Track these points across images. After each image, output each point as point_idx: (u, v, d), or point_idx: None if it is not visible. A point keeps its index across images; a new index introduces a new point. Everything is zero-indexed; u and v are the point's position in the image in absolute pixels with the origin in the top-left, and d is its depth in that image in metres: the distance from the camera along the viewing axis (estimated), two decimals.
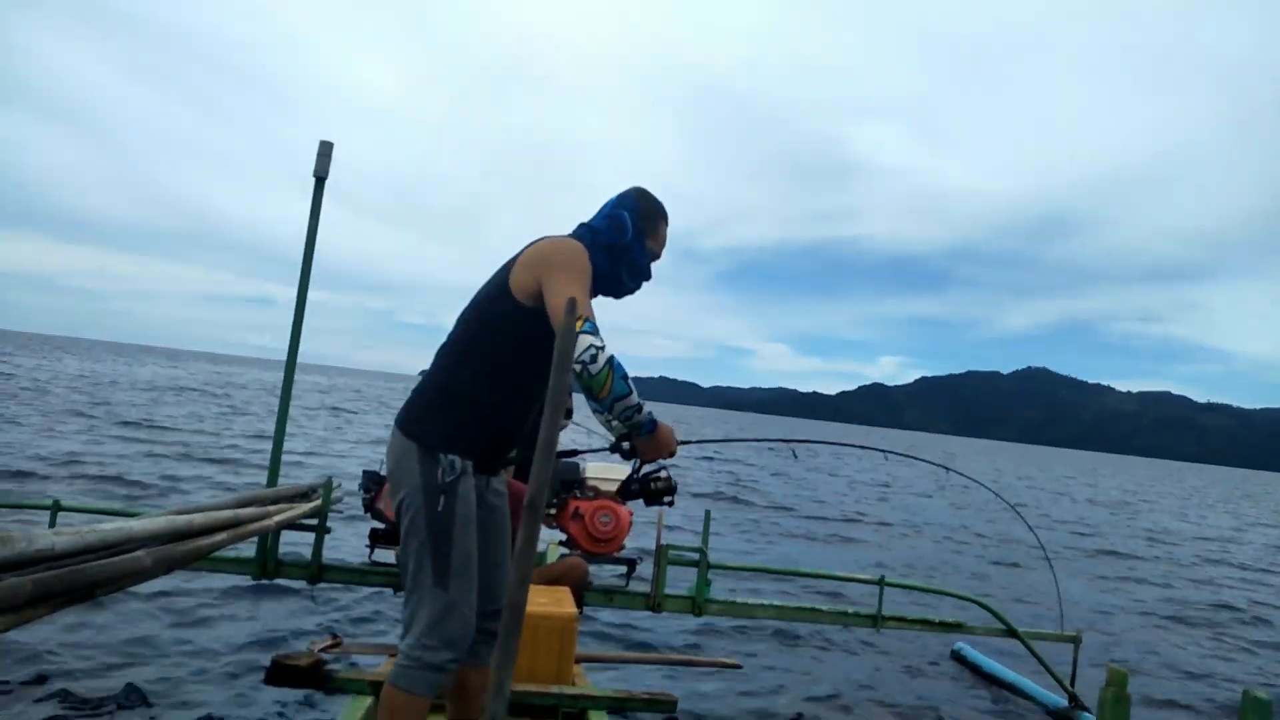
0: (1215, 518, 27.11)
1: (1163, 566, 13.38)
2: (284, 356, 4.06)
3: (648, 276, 2.64)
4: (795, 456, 3.49)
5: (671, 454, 2.51)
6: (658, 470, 2.94)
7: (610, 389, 2.17)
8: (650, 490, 2.87)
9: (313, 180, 4.13)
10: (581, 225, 2.56)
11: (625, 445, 2.56)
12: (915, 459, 4.85)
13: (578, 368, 2.16)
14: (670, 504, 2.95)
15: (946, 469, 4.92)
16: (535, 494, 1.39)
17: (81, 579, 1.99)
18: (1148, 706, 5.44)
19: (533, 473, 1.40)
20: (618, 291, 2.60)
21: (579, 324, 2.14)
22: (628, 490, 2.71)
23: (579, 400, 2.93)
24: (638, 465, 2.65)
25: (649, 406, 2.34)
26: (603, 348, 2.15)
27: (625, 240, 2.52)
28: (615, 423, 2.34)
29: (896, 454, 4.53)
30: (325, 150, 4.11)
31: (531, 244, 2.44)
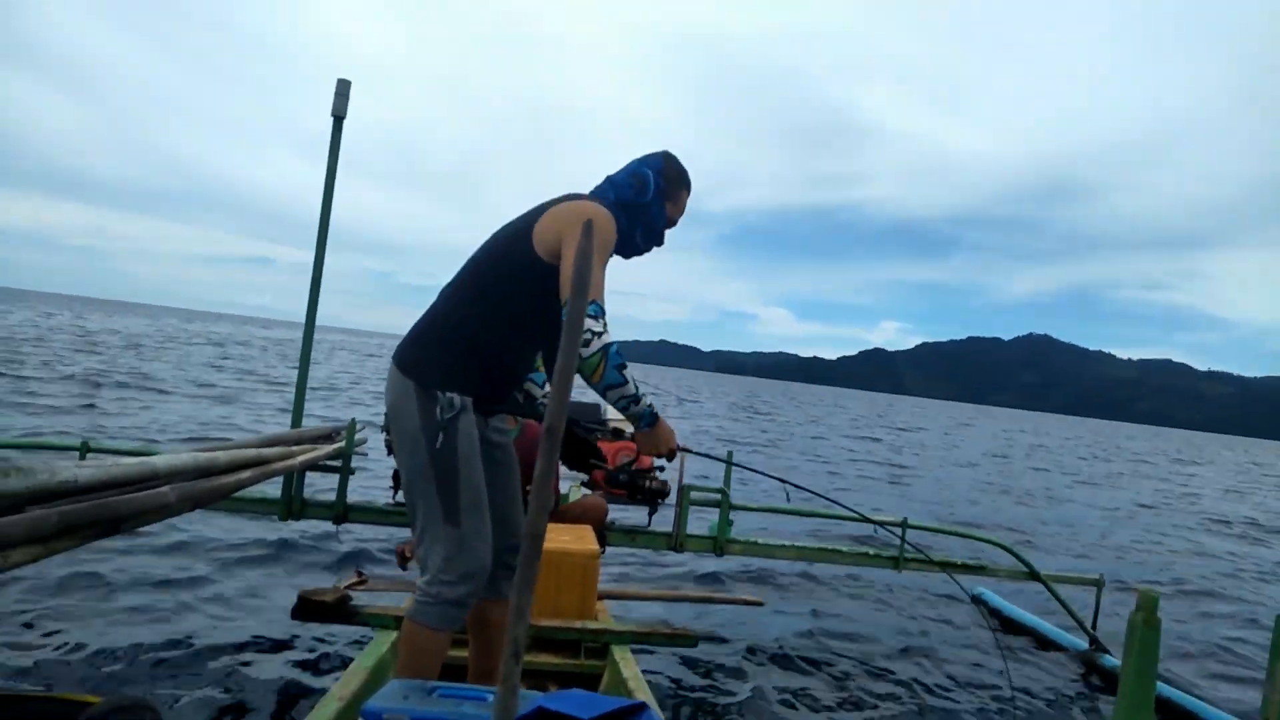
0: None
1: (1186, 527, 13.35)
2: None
3: (660, 241, 2.59)
4: (788, 499, 3.45)
5: (671, 454, 2.48)
6: (654, 470, 2.84)
7: (602, 376, 2.16)
8: (639, 487, 2.78)
9: (331, 121, 4.08)
10: (606, 179, 2.52)
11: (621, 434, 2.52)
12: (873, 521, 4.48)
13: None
14: (653, 511, 2.85)
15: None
16: (554, 420, 1.35)
17: (106, 512, 2.01)
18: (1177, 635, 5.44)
19: (552, 396, 1.36)
20: (628, 252, 2.56)
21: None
22: (615, 479, 2.62)
23: None
24: (634, 456, 2.58)
25: (650, 400, 2.32)
26: (601, 333, 2.14)
27: (645, 199, 2.48)
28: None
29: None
30: (343, 89, 4.05)
31: (564, 198, 2.39)
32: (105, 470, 2.05)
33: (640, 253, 2.59)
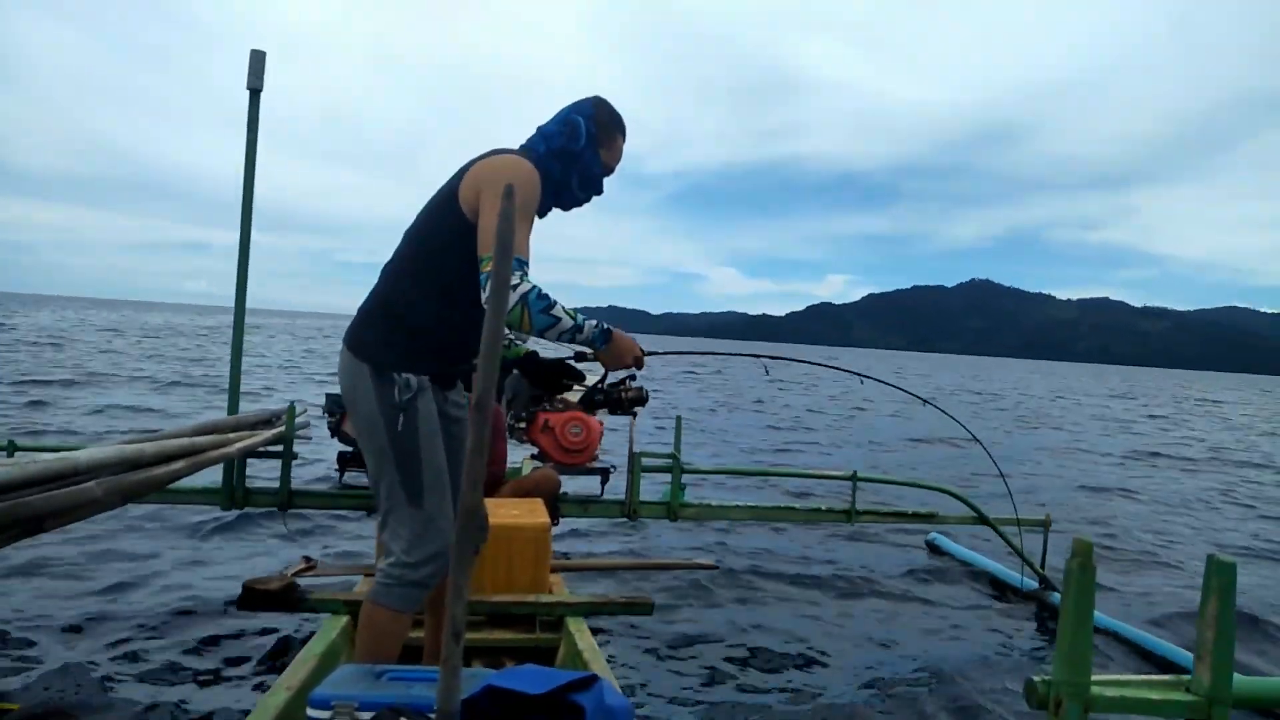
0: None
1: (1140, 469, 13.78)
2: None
3: (599, 190, 2.53)
4: (767, 372, 3.44)
5: (638, 362, 2.45)
6: (625, 379, 2.85)
7: (530, 323, 2.12)
8: (617, 400, 2.79)
9: (246, 94, 3.93)
10: (537, 130, 2.46)
11: (586, 357, 2.49)
12: (887, 384, 4.81)
13: (486, 307, 2.10)
14: (635, 415, 2.87)
15: (924, 401, 4.87)
16: (482, 393, 1.30)
17: (25, 511, 1.92)
18: (1115, 574, 5.61)
19: (479, 370, 1.31)
20: (565, 202, 2.50)
21: (490, 264, 2.08)
22: (591, 400, 2.62)
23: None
24: (602, 375, 2.57)
25: (596, 319, 2.28)
26: (519, 284, 2.09)
27: (577, 147, 2.41)
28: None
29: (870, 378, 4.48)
30: (258, 60, 3.90)
31: (483, 156, 2.33)
32: (21, 468, 1.96)
33: (580, 202, 2.52)
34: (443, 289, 2.30)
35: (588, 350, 2.48)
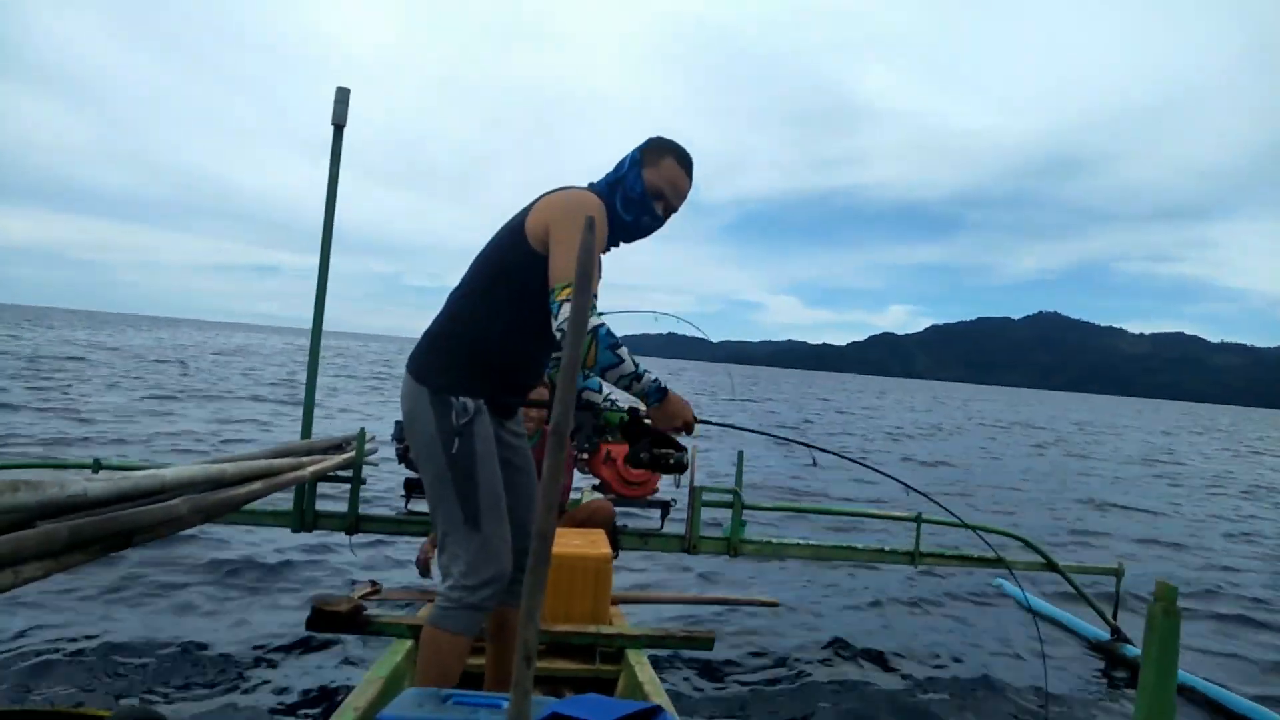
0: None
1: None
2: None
3: (647, 211, 2.43)
4: (815, 463, 3.33)
5: (687, 426, 2.40)
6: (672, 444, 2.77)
7: (595, 359, 2.13)
8: (660, 463, 2.74)
9: (331, 129, 4.08)
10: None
11: (639, 418, 2.49)
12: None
13: (558, 335, 2.13)
14: (678, 484, 2.82)
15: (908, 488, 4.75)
16: (560, 418, 1.33)
17: (117, 525, 2.00)
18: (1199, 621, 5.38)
19: (557, 397, 1.34)
20: (621, 234, 2.47)
21: (564, 292, 2.11)
22: (636, 457, 2.59)
23: None
24: (649, 438, 2.53)
25: (655, 375, 2.25)
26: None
27: (621, 172, 2.44)
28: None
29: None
30: (342, 97, 4.06)
31: (551, 191, 2.39)
32: (115, 484, 2.04)
33: (630, 230, 2.46)
34: (506, 318, 2.35)
35: (640, 405, 2.46)
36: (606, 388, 2.75)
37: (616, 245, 2.54)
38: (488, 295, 2.37)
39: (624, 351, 2.17)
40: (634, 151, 2.46)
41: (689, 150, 2.49)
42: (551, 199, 2.34)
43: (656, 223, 2.49)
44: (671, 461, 2.52)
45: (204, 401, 15.81)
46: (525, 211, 2.37)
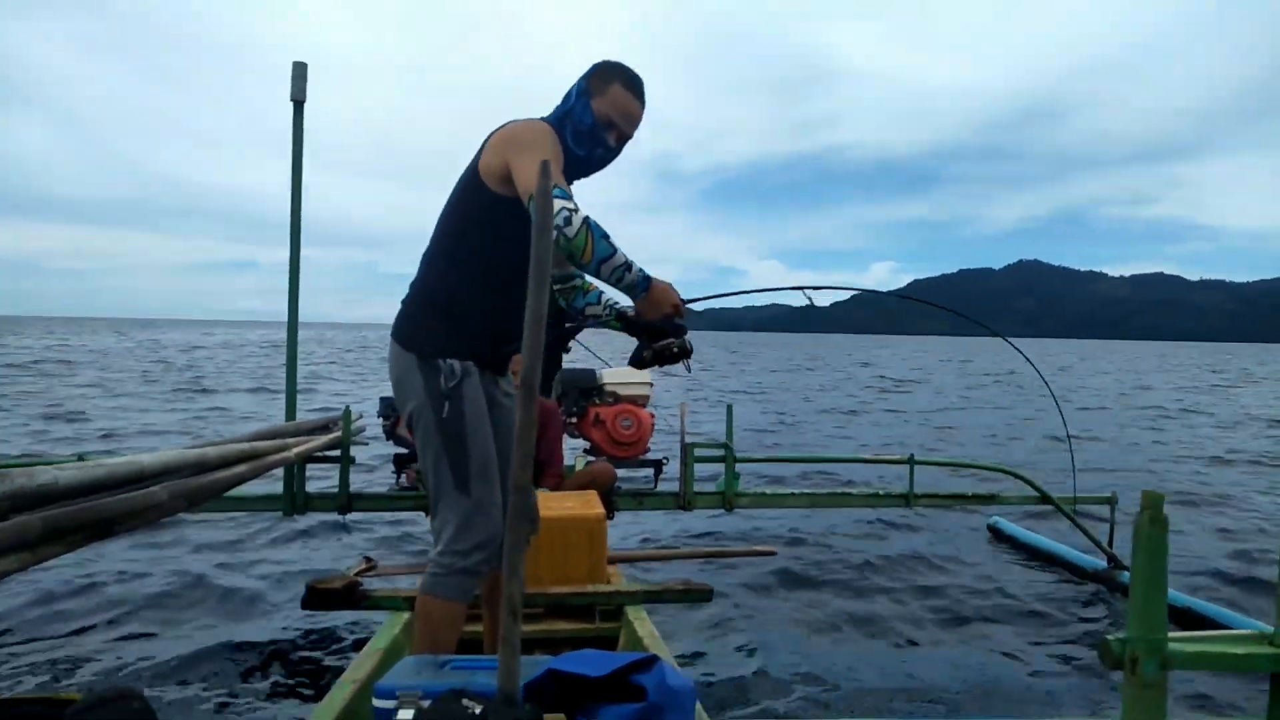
0: None
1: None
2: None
3: (601, 143, 2.32)
4: (811, 302, 3.20)
5: (677, 309, 2.32)
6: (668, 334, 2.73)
7: (593, 251, 2.04)
8: (664, 355, 2.69)
9: (279, 111, 4.00)
10: None
11: (628, 314, 2.45)
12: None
13: (553, 234, 2.05)
14: (688, 369, 2.76)
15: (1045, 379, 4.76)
16: (528, 371, 1.30)
17: (94, 515, 1.97)
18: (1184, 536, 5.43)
19: (524, 347, 1.30)
20: (569, 168, 2.33)
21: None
22: (640, 356, 2.54)
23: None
24: (646, 334, 2.49)
25: (639, 265, 2.17)
26: (576, 210, 2.02)
27: (568, 105, 2.32)
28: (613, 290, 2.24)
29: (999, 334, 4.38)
30: (300, 72, 3.96)
31: (497, 128, 2.29)
32: (88, 472, 2.01)
33: (584, 163, 2.35)
34: (477, 269, 2.30)
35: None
36: (604, 297, 2.67)
37: (572, 182, 2.42)
38: (457, 250, 2.32)
39: (614, 241, 2.09)
40: (580, 81, 2.33)
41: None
42: (500, 133, 2.25)
43: (611, 154, 2.38)
44: (676, 349, 2.47)
45: (196, 396, 15.75)
46: (477, 156, 2.28)
